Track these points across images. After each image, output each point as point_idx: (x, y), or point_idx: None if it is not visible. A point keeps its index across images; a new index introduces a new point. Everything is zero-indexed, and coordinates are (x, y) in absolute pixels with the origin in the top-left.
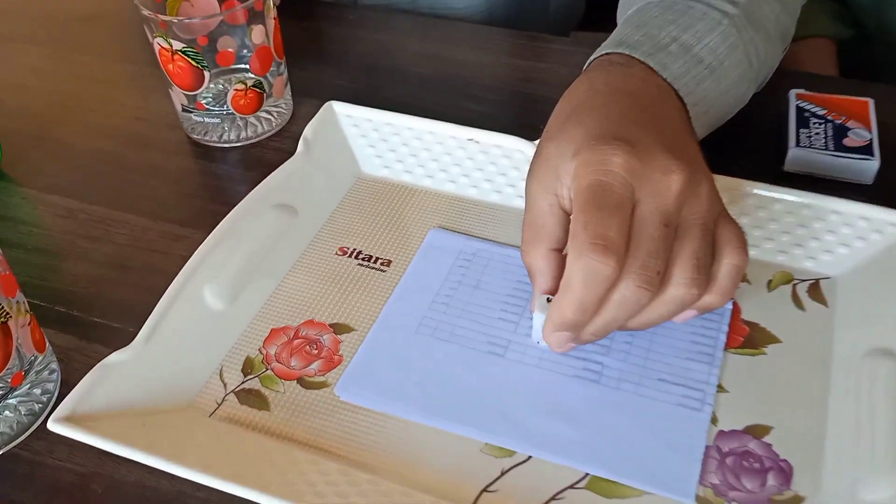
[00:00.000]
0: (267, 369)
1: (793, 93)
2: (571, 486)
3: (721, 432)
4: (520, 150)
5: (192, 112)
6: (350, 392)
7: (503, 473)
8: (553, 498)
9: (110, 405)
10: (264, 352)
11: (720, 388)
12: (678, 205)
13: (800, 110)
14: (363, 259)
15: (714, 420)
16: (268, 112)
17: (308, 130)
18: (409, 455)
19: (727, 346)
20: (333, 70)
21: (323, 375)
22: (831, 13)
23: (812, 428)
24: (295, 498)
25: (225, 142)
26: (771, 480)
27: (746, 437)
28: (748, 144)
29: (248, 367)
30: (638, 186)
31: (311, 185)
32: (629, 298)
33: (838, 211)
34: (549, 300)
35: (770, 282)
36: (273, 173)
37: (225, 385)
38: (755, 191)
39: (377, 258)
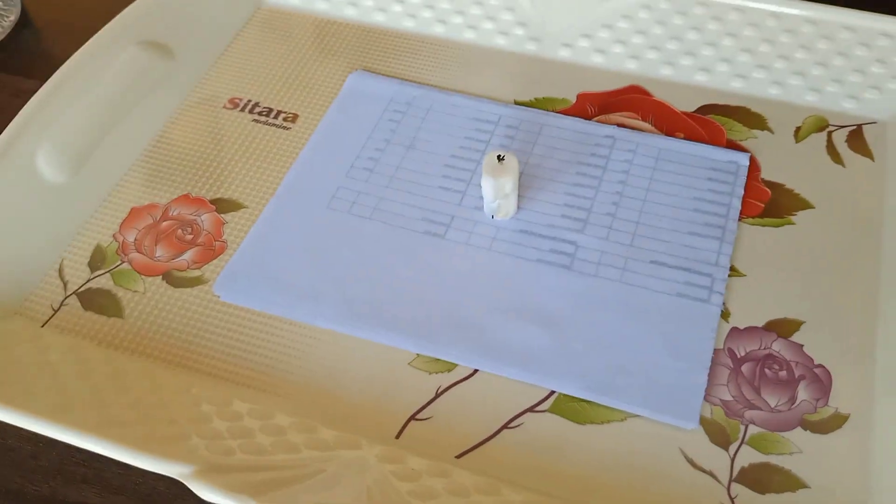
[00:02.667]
0: (122, 262)
1: None
2: (530, 409)
3: (735, 330)
4: None
5: None
6: (234, 290)
7: (438, 394)
8: (506, 426)
9: None
10: (120, 238)
11: (733, 272)
12: None
13: None
14: (260, 113)
15: (725, 314)
16: None
17: None
18: (311, 374)
19: (742, 216)
20: None
21: (198, 268)
22: None
23: (858, 322)
24: (152, 449)
25: None
26: (802, 394)
27: (769, 336)
28: None
29: (97, 260)
30: None
31: (191, 16)
32: None
33: (889, 33)
34: (500, 158)
35: (798, 129)
36: (137, 0)
37: (65, 284)
38: (777, 9)
39: (279, 112)
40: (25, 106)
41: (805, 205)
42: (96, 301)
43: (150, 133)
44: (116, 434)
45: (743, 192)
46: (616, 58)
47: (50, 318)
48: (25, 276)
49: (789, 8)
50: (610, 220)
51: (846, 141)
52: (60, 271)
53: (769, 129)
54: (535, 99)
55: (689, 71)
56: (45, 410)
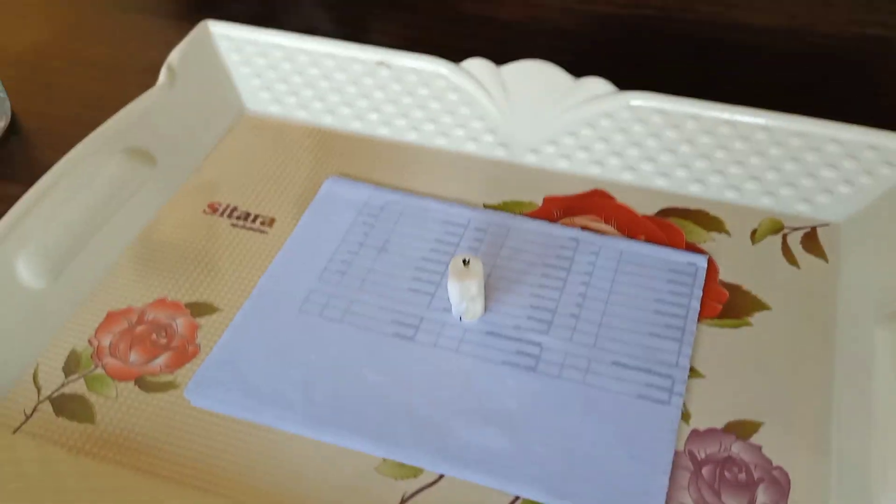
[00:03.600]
0: (97, 366)
1: None
2: None
3: (695, 432)
4: (442, 75)
5: None
6: (205, 395)
7: (404, 500)
8: None
9: None
10: (95, 343)
11: (693, 373)
12: None
13: None
14: (238, 217)
15: (686, 416)
16: None
17: (174, 57)
18: (279, 480)
19: (701, 317)
20: None
21: (171, 373)
22: None
23: (814, 423)
24: None
25: None
26: (762, 496)
27: (728, 438)
28: None
29: (72, 364)
30: None
31: (175, 124)
32: None
33: (838, 139)
34: (466, 262)
35: (754, 232)
36: (123, 110)
37: (39, 389)
38: (729, 116)
39: (256, 216)
40: (9, 212)
41: (762, 306)
42: (69, 407)
43: (130, 237)
44: None
45: (701, 293)
46: (580, 163)
47: (22, 424)
48: (0, 382)
49: (742, 116)
50: (574, 321)
51: (801, 243)
52: (35, 377)
53: (727, 232)
54: (504, 202)
55: (649, 176)
56: None
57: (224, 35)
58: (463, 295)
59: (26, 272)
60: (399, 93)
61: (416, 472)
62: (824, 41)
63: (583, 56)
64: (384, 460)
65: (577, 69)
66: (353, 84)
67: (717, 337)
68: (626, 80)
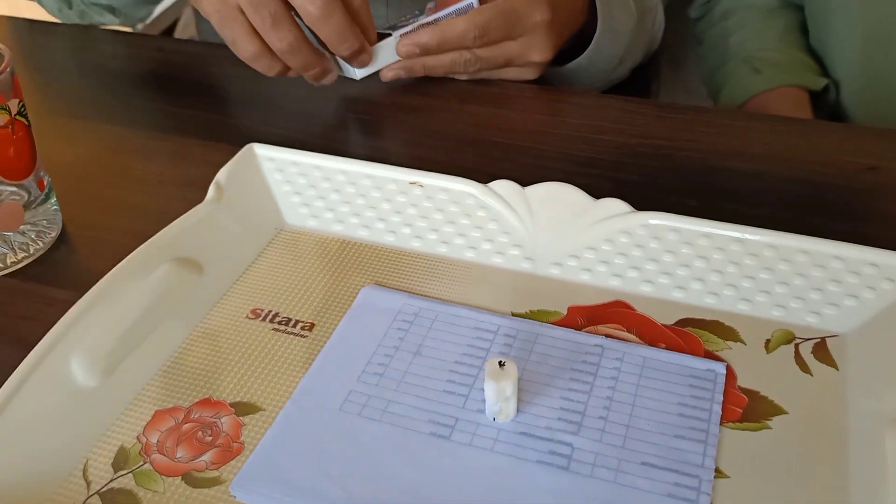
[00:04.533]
0: (145, 462)
1: None
2: None
3: None
4: (471, 194)
5: None
6: (250, 490)
7: None
8: None
9: None
10: (144, 440)
11: (718, 473)
12: None
13: None
14: (280, 322)
15: None
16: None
17: (222, 175)
18: None
19: (723, 421)
20: (257, 114)
21: (216, 469)
22: (803, 65)
23: None
24: None
25: None
26: None
27: None
28: None
29: (121, 460)
30: None
31: (221, 236)
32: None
33: (841, 256)
34: (501, 364)
35: (768, 342)
36: (173, 223)
37: (88, 484)
38: (740, 235)
39: (297, 321)
40: (66, 314)
41: (779, 410)
42: (118, 501)
43: (178, 339)
44: None
45: (722, 398)
46: (601, 276)
47: None
48: (50, 477)
49: (751, 234)
50: (602, 423)
51: (812, 352)
52: (85, 472)
53: (742, 341)
54: (530, 311)
55: (666, 288)
56: None
57: (267, 157)
58: (498, 396)
59: (79, 372)
60: (430, 209)
61: None
62: (819, 168)
63: (597, 178)
64: None
65: (594, 190)
66: (387, 201)
67: (739, 439)
68: (637, 200)
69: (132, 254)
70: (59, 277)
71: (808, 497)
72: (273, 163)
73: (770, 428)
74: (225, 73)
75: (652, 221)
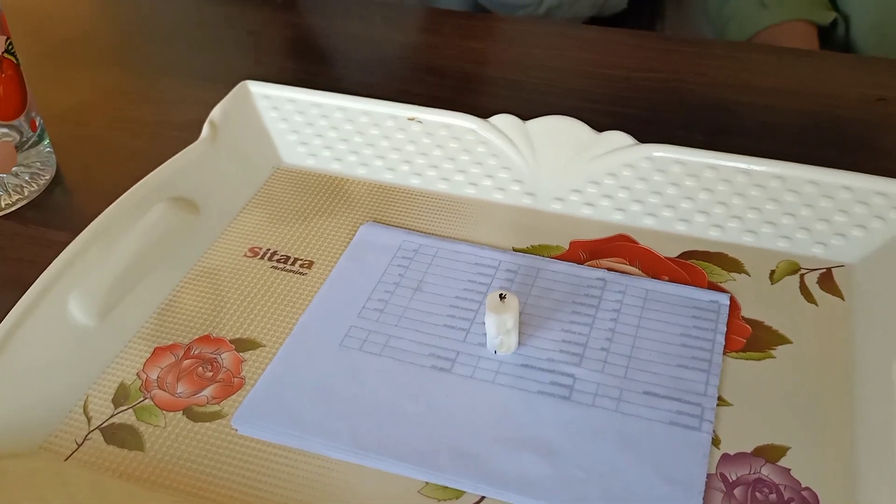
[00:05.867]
0: (145, 398)
1: None
2: None
3: (726, 456)
4: (471, 129)
5: None
6: (252, 424)
7: None
8: None
9: None
10: (143, 376)
11: (721, 401)
12: None
13: None
14: (278, 260)
15: (716, 441)
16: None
17: (216, 113)
18: (326, 501)
19: (726, 350)
20: (254, 54)
21: (218, 403)
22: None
23: (839, 447)
24: None
25: None
26: None
27: (758, 461)
28: None
29: (121, 397)
30: None
31: (216, 176)
32: None
33: (849, 186)
34: (502, 297)
35: (773, 273)
36: (168, 162)
37: (89, 420)
38: (745, 165)
39: (296, 259)
40: (61, 254)
41: (783, 340)
42: (119, 435)
43: (176, 278)
44: None
45: (725, 328)
46: (603, 210)
47: (73, 453)
48: (51, 413)
49: (757, 165)
50: (605, 354)
51: (817, 282)
52: (85, 408)
53: (746, 273)
54: (532, 246)
55: (669, 221)
56: None
57: (262, 94)
58: (499, 328)
59: (77, 311)
60: (430, 146)
61: (457, 493)
62: (828, 101)
63: (601, 114)
64: (427, 483)
65: (597, 126)
66: (385, 138)
67: (743, 368)
68: (641, 135)
69: (126, 193)
70: (56, 219)
71: (812, 425)
72: (268, 100)
73: (774, 357)
74: (220, 12)
75: (656, 154)
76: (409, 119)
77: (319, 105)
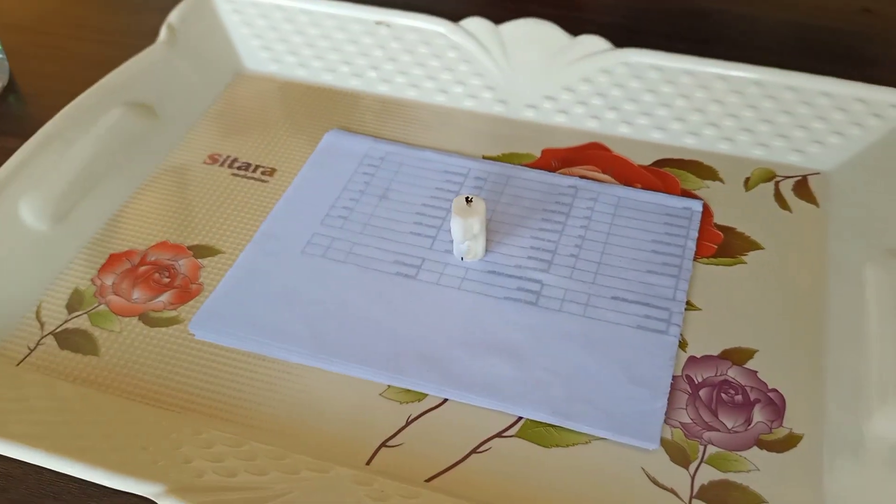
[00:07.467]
0: (100, 304)
1: None
2: (498, 435)
3: (692, 359)
4: (441, 33)
5: None
6: (209, 328)
7: (409, 422)
8: (474, 451)
9: None
10: (98, 282)
11: (689, 306)
12: None
13: None
14: (239, 167)
15: (683, 345)
16: None
17: (174, 17)
18: (284, 406)
19: (697, 256)
20: None
21: (174, 309)
22: None
23: (807, 350)
24: (128, 470)
25: None
26: (758, 416)
27: (724, 364)
28: None
29: (75, 303)
30: None
31: (175, 81)
32: None
33: (828, 92)
34: (468, 201)
35: (748, 180)
36: (124, 65)
37: (42, 325)
38: (724, 71)
39: (257, 166)
40: (12, 156)
41: (755, 246)
42: (73, 340)
43: (133, 185)
44: (89, 458)
45: (697, 234)
46: (577, 118)
47: (26, 357)
48: (2, 319)
49: (736, 71)
50: (573, 260)
51: (792, 189)
52: (38, 313)
53: (720, 180)
54: (503, 154)
55: (645, 129)
56: (19, 438)
57: None
58: (465, 233)
59: (29, 215)
60: (398, 51)
61: (420, 396)
62: (812, 10)
63: (576, 21)
64: (389, 386)
65: (576, 34)
66: (352, 43)
67: (713, 274)
68: (621, 44)
69: (80, 96)
70: (9, 127)
71: (781, 329)
72: (230, 3)
73: (745, 263)
74: None
75: (633, 59)
76: (376, 23)
77: (283, 8)
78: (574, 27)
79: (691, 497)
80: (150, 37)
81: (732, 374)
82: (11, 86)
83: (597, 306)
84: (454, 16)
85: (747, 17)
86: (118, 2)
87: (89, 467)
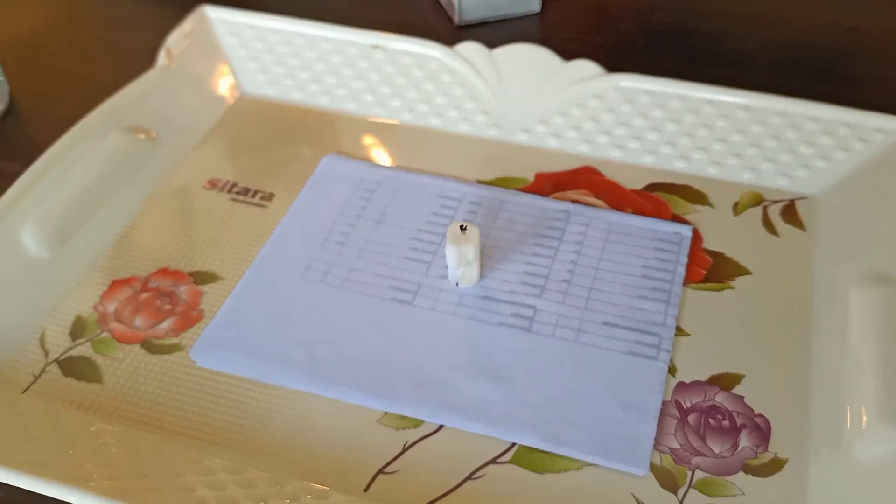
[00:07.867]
0: (103, 331)
1: None
2: (493, 461)
3: (681, 384)
4: (435, 57)
5: None
6: (210, 355)
7: (406, 449)
8: (469, 477)
9: None
10: (101, 309)
11: (679, 331)
12: None
13: None
14: (238, 192)
15: (672, 370)
16: None
17: (172, 40)
18: (283, 433)
19: (686, 281)
20: None
21: (176, 336)
22: None
23: (792, 375)
24: (130, 499)
25: None
26: (744, 441)
27: (712, 389)
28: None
29: (78, 330)
30: None
31: (174, 104)
32: None
33: (816, 117)
34: (463, 228)
35: (736, 204)
36: (123, 90)
37: (46, 353)
38: (713, 96)
39: (256, 191)
40: (14, 184)
41: (743, 271)
42: (76, 368)
43: (133, 210)
44: (89, 487)
45: (687, 260)
46: (570, 141)
47: (30, 385)
48: (7, 346)
49: (724, 96)
50: (566, 286)
51: (780, 214)
52: (42, 341)
53: (710, 204)
54: (497, 178)
55: (636, 153)
56: (21, 466)
57: (221, 19)
58: (460, 260)
59: (31, 242)
60: (393, 75)
61: (416, 423)
62: (800, 30)
63: (568, 41)
64: (385, 413)
65: (564, 55)
66: (348, 66)
67: (702, 299)
68: (610, 64)
69: (81, 121)
70: (9, 150)
71: (768, 354)
72: (227, 26)
73: (733, 288)
74: None
75: (624, 83)
76: (372, 47)
77: (280, 31)
78: (564, 46)
79: None
80: (147, 56)
81: (720, 399)
82: (11, 107)
83: (588, 332)
84: (443, 38)
85: (736, 35)
86: (115, 21)
87: (92, 496)
